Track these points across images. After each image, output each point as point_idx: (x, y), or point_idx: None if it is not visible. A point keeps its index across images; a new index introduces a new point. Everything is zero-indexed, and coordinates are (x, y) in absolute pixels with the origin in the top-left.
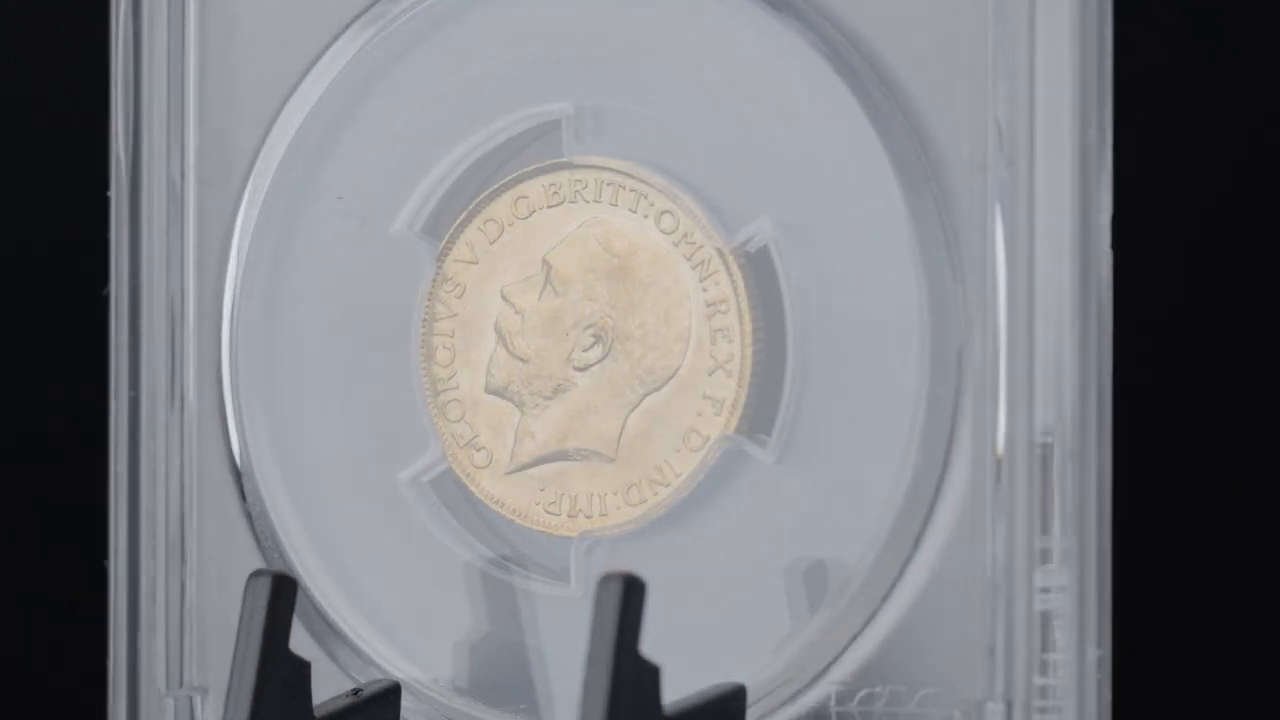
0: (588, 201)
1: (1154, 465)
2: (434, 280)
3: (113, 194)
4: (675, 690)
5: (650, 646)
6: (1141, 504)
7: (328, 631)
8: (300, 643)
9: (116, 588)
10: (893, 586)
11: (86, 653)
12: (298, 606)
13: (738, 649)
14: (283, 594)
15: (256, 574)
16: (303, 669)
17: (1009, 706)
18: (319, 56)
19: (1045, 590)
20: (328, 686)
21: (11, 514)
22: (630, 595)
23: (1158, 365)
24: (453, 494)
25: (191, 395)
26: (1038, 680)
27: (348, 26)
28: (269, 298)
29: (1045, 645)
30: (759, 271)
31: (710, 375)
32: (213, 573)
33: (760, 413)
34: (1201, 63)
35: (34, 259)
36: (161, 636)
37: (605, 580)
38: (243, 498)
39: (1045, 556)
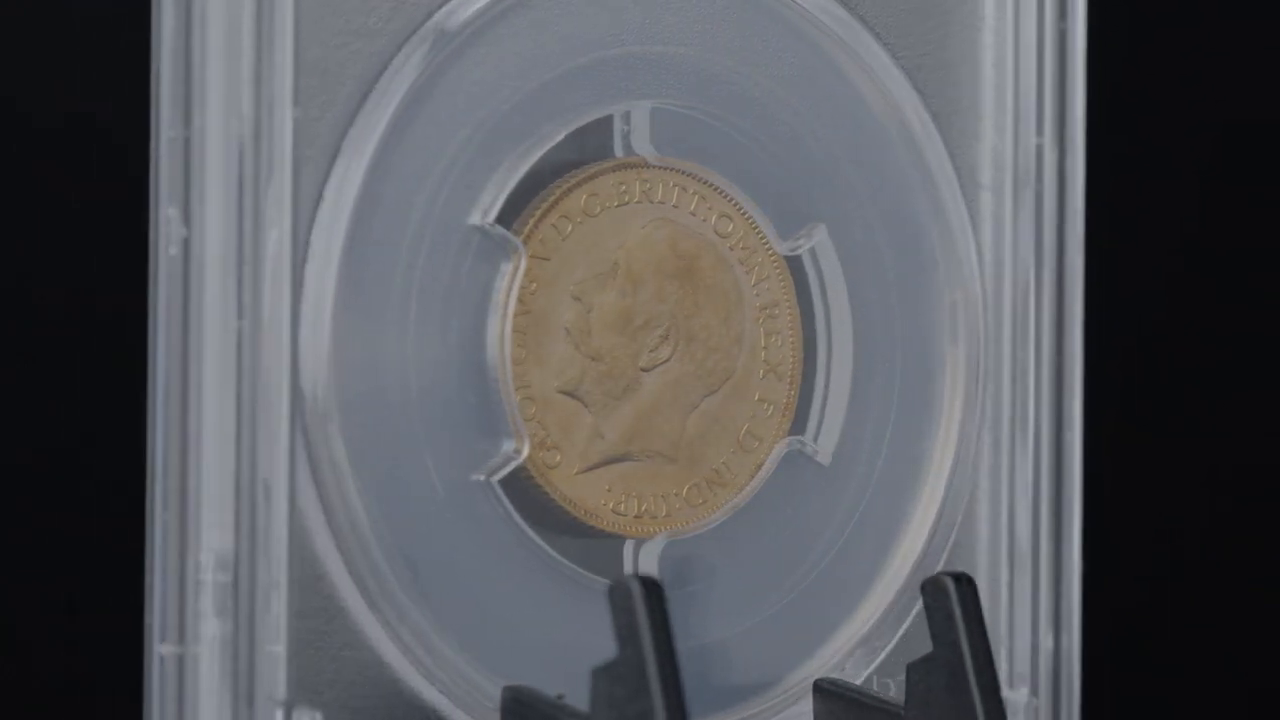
0: (654, 202)
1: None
2: (518, 274)
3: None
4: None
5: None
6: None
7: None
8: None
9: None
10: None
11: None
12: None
13: (804, 643)
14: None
15: (640, 580)
16: None
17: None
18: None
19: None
20: None
21: None
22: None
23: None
24: (523, 494)
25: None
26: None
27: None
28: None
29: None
30: (810, 276)
31: (763, 378)
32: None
33: (814, 415)
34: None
35: None
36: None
37: (960, 579)
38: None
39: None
